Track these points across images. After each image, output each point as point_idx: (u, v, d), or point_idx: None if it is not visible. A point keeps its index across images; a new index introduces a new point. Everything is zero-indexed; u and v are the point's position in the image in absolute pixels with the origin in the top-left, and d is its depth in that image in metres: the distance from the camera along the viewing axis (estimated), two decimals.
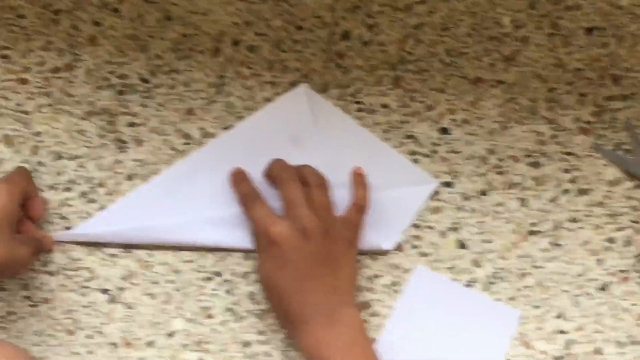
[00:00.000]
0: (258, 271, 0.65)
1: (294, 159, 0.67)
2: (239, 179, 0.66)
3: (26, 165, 0.67)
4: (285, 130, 0.68)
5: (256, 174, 0.67)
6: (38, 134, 0.68)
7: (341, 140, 0.69)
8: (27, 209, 0.64)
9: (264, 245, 0.62)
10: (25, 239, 0.62)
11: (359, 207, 0.64)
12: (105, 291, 0.67)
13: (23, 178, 0.63)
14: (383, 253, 0.67)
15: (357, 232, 0.64)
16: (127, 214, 0.66)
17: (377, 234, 0.67)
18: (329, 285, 0.61)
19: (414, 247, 0.67)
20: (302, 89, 0.68)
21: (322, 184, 0.64)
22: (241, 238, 0.66)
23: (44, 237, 0.65)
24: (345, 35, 0.69)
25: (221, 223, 0.67)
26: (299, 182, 0.63)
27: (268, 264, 0.62)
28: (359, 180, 0.66)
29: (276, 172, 0.65)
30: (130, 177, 0.68)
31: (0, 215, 0.59)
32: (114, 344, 0.66)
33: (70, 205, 0.67)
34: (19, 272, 0.65)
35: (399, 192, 0.68)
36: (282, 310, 0.62)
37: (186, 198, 0.67)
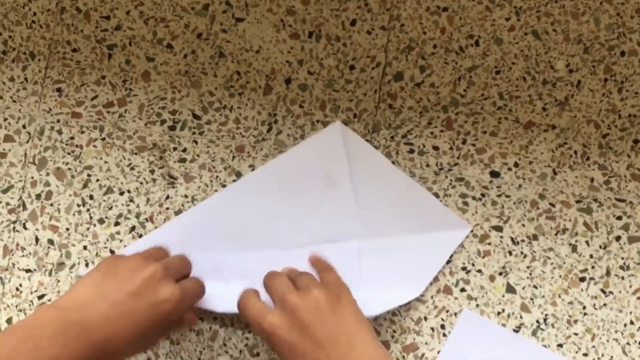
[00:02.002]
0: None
1: (327, 198, 0.67)
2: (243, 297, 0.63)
3: (78, 200, 0.68)
4: (319, 168, 0.68)
5: (287, 211, 0.67)
6: (89, 167, 0.69)
7: (375, 180, 0.68)
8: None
9: (266, 340, 0.59)
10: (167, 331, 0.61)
11: (330, 269, 0.63)
12: None
13: (196, 295, 0.61)
14: (431, 295, 0.67)
15: (342, 286, 0.61)
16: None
17: (406, 281, 0.66)
18: (342, 343, 0.57)
19: (462, 290, 0.67)
20: (337, 126, 0.68)
21: (304, 272, 0.63)
22: None
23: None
24: (398, 76, 0.69)
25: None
26: (280, 272, 0.63)
27: (278, 354, 0.58)
28: (315, 262, 0.64)
29: (264, 280, 0.62)
30: (179, 213, 0.68)
31: (151, 323, 0.56)
32: None
33: (119, 240, 0.68)
34: None
35: (431, 236, 0.68)
36: None
37: (217, 235, 0.67)
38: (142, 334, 0.55)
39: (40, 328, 0.53)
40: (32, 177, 0.69)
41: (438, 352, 0.66)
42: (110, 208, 0.68)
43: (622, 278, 0.67)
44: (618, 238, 0.67)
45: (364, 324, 0.59)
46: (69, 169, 0.69)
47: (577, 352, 0.66)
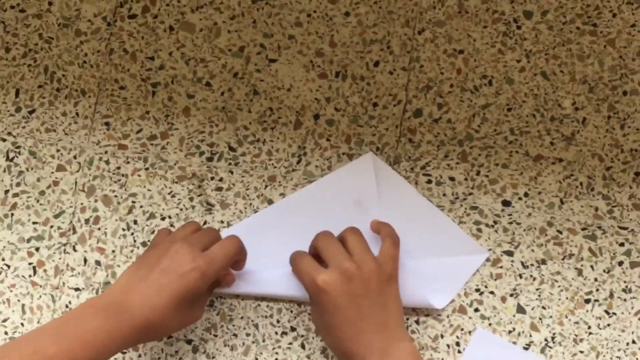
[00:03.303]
0: (313, 320, 0.68)
1: (357, 222, 0.71)
2: (295, 255, 0.69)
3: (123, 225, 0.74)
4: (350, 195, 0.74)
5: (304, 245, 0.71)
6: (134, 195, 0.75)
7: (403, 208, 0.74)
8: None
9: (314, 295, 0.66)
10: (204, 273, 0.64)
11: (393, 241, 0.68)
12: (189, 342, 0.73)
13: (227, 257, 0.66)
14: (438, 315, 0.72)
15: (395, 265, 0.67)
16: None
17: (431, 293, 0.72)
18: (379, 321, 0.64)
19: (476, 310, 0.72)
20: (370, 157, 0.74)
21: (354, 229, 0.68)
22: (297, 290, 0.71)
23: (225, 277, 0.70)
24: (417, 113, 0.75)
25: (282, 276, 0.72)
26: (336, 239, 0.68)
27: (321, 312, 0.65)
28: (380, 225, 0.70)
29: (315, 242, 0.69)
30: None
31: (183, 292, 0.62)
32: None
33: None
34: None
35: (453, 260, 0.73)
36: (339, 352, 0.66)
37: (253, 253, 0.72)
38: (178, 304, 0.62)
39: (84, 309, 0.61)
40: (82, 204, 0.75)
41: None
42: (153, 232, 0.74)
43: (625, 300, 0.72)
44: (621, 263, 0.73)
45: (400, 311, 0.66)
46: (115, 196, 0.75)
47: None
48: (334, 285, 0.63)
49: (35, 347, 0.57)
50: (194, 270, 0.62)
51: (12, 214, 0.74)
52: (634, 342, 0.71)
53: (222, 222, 0.74)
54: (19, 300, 0.73)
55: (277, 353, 0.72)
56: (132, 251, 0.74)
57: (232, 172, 0.75)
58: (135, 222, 0.74)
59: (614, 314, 0.72)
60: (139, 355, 0.72)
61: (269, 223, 0.74)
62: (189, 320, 0.65)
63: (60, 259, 0.74)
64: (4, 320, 0.73)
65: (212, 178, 0.75)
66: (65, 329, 0.59)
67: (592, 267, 0.73)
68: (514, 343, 0.72)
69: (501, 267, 0.73)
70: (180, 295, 0.62)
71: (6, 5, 0.77)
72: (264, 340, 0.73)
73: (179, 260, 0.62)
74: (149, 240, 0.74)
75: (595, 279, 0.72)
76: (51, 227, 0.75)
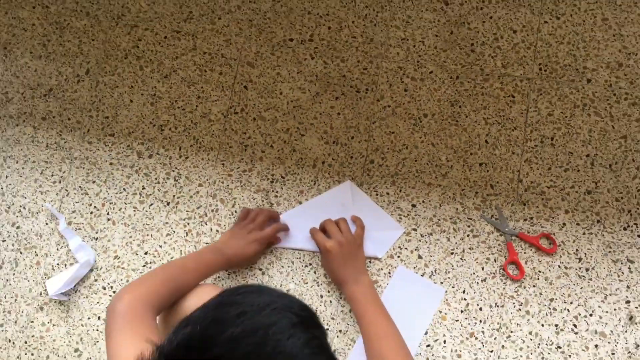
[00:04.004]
0: (321, 263, 1.43)
1: (342, 215, 1.47)
2: (313, 229, 1.47)
3: (230, 213, 1.54)
4: (339, 201, 1.51)
5: (317, 224, 1.50)
6: (235, 198, 1.55)
7: (364, 208, 1.49)
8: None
9: (323, 252, 1.40)
10: (259, 241, 1.42)
11: (361, 227, 1.43)
12: (260, 269, 1.51)
13: (273, 232, 1.40)
14: (379, 260, 1.50)
15: (362, 239, 1.41)
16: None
17: (376, 249, 1.46)
18: (353, 265, 1.37)
19: (398, 256, 1.50)
20: (348, 183, 1.53)
21: (344, 220, 1.43)
22: (312, 246, 1.48)
23: (274, 238, 1.46)
24: (371, 161, 1.55)
25: (304, 240, 1.49)
26: (334, 223, 1.44)
27: (326, 261, 1.39)
28: (355, 218, 1.46)
29: (324, 224, 1.45)
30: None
31: (249, 250, 1.39)
32: None
33: None
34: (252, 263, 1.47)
35: (387, 233, 1.47)
36: (334, 278, 1.40)
37: (291, 227, 1.49)
38: (246, 254, 1.36)
39: (205, 249, 1.34)
40: (210, 202, 1.55)
41: (387, 284, 1.49)
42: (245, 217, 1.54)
43: (469, 253, 1.49)
44: (468, 235, 1.50)
45: (364, 262, 1.39)
46: (226, 199, 1.55)
47: (449, 286, 1.47)
48: (334, 248, 1.37)
49: (182, 263, 1.30)
50: (255, 242, 1.38)
51: (176, 206, 1.55)
52: (474, 273, 1.48)
53: (277, 211, 1.54)
54: (179, 248, 1.53)
55: (302, 275, 1.50)
56: (232, 225, 1.53)
57: (282, 188, 1.55)
58: (235, 211, 1.54)
59: (465, 260, 1.48)
60: (236, 275, 1.51)
61: (298, 213, 1.52)
62: (252, 262, 1.42)
63: (199, 228, 1.54)
64: (172, 257, 1.52)
65: (272, 191, 1.55)
66: (197, 258, 1.32)
67: (454, 237, 1.49)
68: (417, 273, 1.49)
69: (410, 236, 1.50)
70: (248, 251, 1.37)
71: (175, 106, 1.60)
72: (296, 269, 1.50)
73: (248, 235, 1.38)
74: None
75: (456, 242, 1.48)
76: (194, 212, 1.54)
